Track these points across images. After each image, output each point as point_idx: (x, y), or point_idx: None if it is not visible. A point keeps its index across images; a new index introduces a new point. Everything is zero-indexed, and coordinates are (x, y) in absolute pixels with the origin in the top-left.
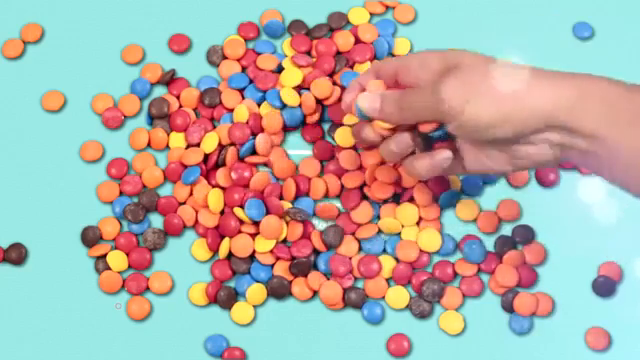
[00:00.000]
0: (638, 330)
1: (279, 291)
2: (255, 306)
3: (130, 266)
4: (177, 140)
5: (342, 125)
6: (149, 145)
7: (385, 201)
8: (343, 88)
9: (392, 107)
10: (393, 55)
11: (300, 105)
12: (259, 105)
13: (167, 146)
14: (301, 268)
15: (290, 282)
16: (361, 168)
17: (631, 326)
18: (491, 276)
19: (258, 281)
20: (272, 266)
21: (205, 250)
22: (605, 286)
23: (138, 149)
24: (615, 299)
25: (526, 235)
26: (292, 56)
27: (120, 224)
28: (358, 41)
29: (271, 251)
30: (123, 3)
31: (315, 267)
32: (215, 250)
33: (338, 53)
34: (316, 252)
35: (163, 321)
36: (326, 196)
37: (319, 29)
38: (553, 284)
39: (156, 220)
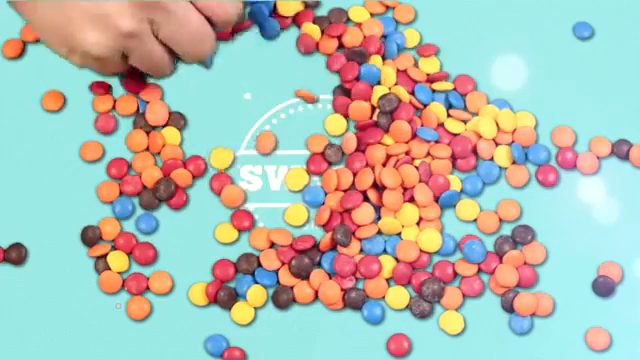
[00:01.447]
0: (638, 330)
1: (283, 304)
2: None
3: (136, 262)
4: (171, 137)
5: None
6: (147, 149)
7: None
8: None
9: None
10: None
11: None
12: None
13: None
14: (303, 268)
15: (292, 288)
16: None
17: (631, 326)
18: (491, 276)
19: (261, 285)
20: (277, 272)
21: (229, 232)
22: (605, 286)
23: (136, 151)
24: (615, 299)
25: (526, 235)
26: None
27: (120, 224)
28: (364, 37)
29: (276, 254)
30: None
31: (319, 266)
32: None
33: (339, 48)
34: (319, 251)
35: (163, 321)
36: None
37: (320, 22)
38: (553, 284)
39: (163, 216)
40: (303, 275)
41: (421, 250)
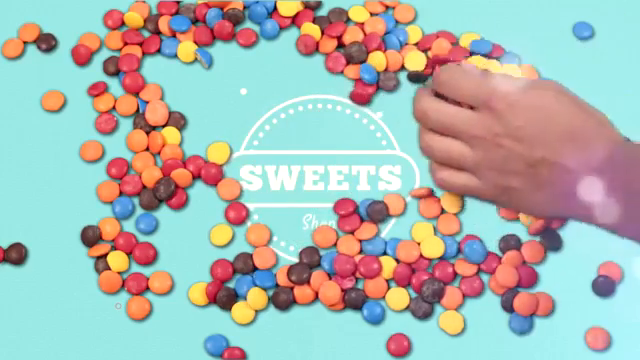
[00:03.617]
0: (638, 330)
1: (283, 305)
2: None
3: (136, 262)
4: (171, 137)
5: None
6: (147, 149)
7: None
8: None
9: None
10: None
11: None
12: None
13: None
14: (302, 278)
15: (292, 288)
16: None
17: (631, 326)
18: (491, 276)
19: (261, 287)
20: (275, 274)
21: (224, 233)
22: (605, 286)
23: (136, 151)
24: (615, 299)
25: (554, 241)
26: None
27: (120, 224)
28: (365, 35)
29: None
30: (122, 3)
31: (319, 267)
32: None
33: (339, 48)
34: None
35: (163, 321)
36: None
37: (320, 22)
38: (553, 284)
39: (163, 216)
40: (304, 281)
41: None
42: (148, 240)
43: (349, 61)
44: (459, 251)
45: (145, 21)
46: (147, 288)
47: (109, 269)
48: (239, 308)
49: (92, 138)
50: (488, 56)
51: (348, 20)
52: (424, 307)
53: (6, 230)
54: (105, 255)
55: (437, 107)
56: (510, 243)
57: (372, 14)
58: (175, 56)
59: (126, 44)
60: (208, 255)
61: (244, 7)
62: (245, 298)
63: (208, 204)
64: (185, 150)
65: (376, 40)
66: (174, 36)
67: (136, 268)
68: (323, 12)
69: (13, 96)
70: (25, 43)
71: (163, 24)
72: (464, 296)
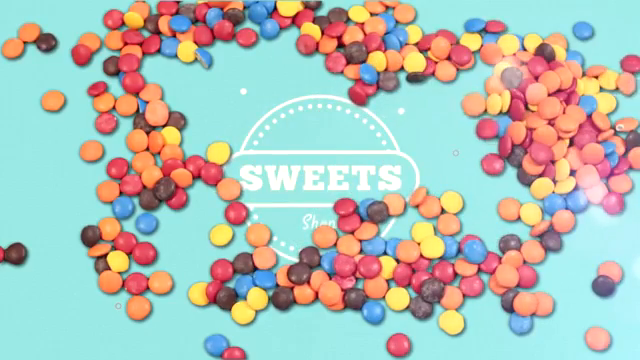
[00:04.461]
0: (638, 330)
1: (283, 305)
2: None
3: (136, 262)
4: (171, 137)
5: None
6: (147, 149)
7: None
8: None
9: None
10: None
11: None
12: None
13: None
14: (302, 279)
15: (292, 289)
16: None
17: (631, 326)
18: (491, 276)
19: (261, 287)
20: (275, 274)
21: (224, 233)
22: (605, 286)
23: (136, 151)
24: (615, 299)
25: (556, 243)
26: None
27: (120, 224)
28: (365, 35)
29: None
30: (122, 3)
31: (319, 266)
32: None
33: (339, 48)
34: (317, 252)
35: (163, 321)
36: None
37: (320, 22)
38: (553, 284)
39: (163, 216)
40: (304, 281)
41: (422, 256)
42: (148, 240)
43: (349, 61)
44: (459, 251)
45: (145, 21)
46: (147, 288)
47: (109, 269)
48: (239, 308)
49: (92, 138)
50: (485, 30)
51: (348, 20)
52: (424, 307)
53: (6, 230)
54: (105, 255)
55: None
56: (510, 243)
57: (372, 14)
58: (175, 56)
59: (126, 44)
60: (208, 255)
61: (244, 7)
62: (245, 298)
63: (208, 204)
64: (185, 150)
65: (376, 40)
66: (174, 36)
67: (136, 268)
68: (323, 12)
69: (13, 96)
70: (25, 43)
71: (163, 24)
72: (464, 296)
